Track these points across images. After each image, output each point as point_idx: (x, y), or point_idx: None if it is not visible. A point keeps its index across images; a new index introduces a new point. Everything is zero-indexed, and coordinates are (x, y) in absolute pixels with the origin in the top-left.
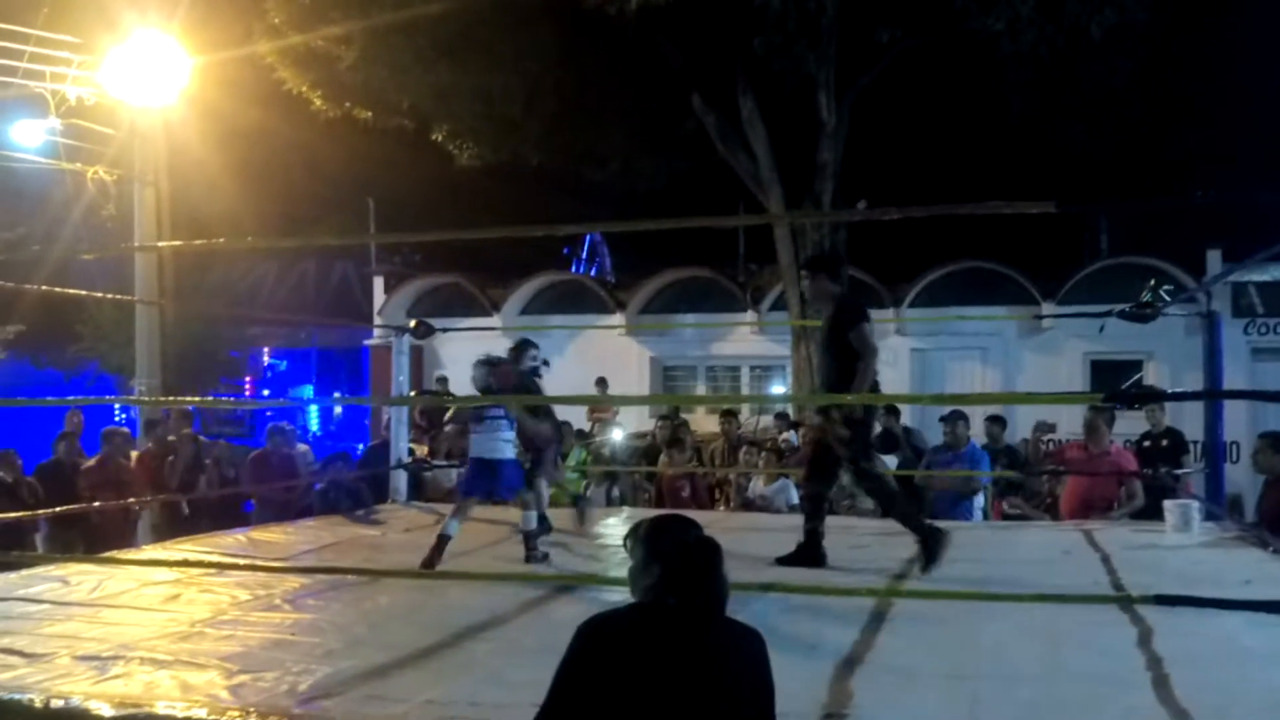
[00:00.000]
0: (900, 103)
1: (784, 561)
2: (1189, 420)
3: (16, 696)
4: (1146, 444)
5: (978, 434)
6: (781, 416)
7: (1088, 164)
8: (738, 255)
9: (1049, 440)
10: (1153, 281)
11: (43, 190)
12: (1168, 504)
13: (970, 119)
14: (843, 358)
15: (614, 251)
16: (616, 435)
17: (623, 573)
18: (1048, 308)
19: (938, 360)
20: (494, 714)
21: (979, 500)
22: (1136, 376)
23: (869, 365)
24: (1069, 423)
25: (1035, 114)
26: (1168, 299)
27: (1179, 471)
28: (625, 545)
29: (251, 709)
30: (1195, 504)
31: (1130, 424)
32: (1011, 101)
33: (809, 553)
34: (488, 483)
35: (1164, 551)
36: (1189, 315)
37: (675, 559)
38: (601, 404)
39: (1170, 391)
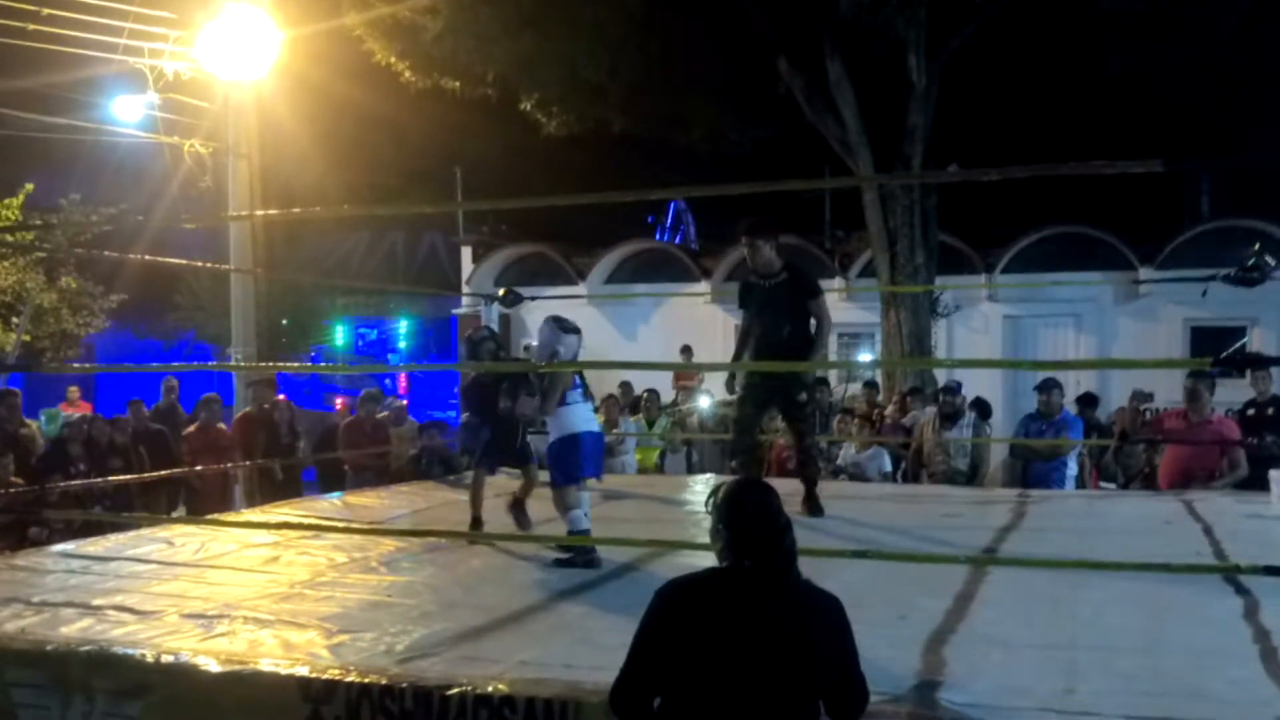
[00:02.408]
0: (992, 64)
1: None
2: None
3: (129, 651)
4: (1251, 412)
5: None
6: (871, 385)
7: (1190, 121)
8: (824, 222)
9: (1146, 409)
10: (1258, 245)
11: (142, 164)
12: (1273, 474)
13: (1065, 79)
14: (803, 324)
15: (699, 219)
16: (703, 402)
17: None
18: (1145, 273)
19: (1030, 327)
20: (587, 675)
21: (1072, 469)
22: (1240, 343)
23: (828, 331)
24: (1167, 391)
25: (1134, 71)
26: (1274, 263)
27: None
28: (707, 509)
29: (351, 668)
30: None
31: (1231, 392)
32: (1108, 59)
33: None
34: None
35: (1269, 522)
36: None
37: (740, 522)
38: (687, 370)
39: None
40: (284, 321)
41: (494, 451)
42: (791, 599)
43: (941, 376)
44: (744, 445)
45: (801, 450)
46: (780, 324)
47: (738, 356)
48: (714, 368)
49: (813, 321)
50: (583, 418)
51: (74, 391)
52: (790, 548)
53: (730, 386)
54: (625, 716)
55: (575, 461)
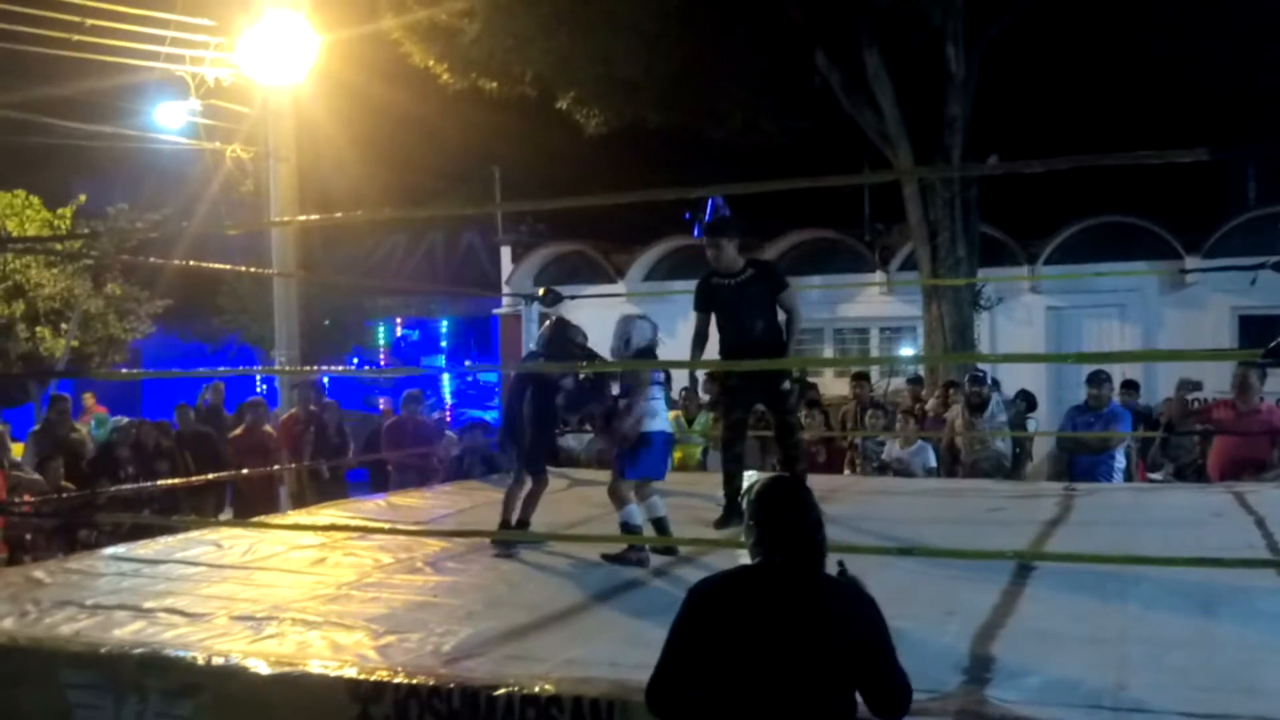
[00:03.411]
0: (1031, 52)
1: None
2: None
3: (180, 654)
4: None
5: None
6: (915, 381)
7: (1235, 108)
8: (863, 215)
9: (1194, 399)
10: None
11: (184, 169)
12: None
13: (1106, 66)
14: (774, 318)
15: (736, 215)
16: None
17: None
18: (1191, 261)
19: (1074, 319)
20: (633, 674)
21: (1120, 462)
22: None
23: (799, 322)
24: (1216, 381)
25: (1177, 57)
26: None
27: None
28: (742, 506)
29: (399, 668)
30: None
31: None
32: (1150, 44)
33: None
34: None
35: None
36: None
37: (769, 519)
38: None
39: None
40: (325, 323)
41: (540, 456)
42: (821, 594)
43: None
44: (737, 451)
45: (788, 446)
46: (752, 321)
47: (695, 359)
48: (753, 366)
49: (781, 315)
50: (660, 415)
51: (89, 398)
52: (820, 544)
53: (709, 390)
54: (661, 713)
55: (644, 459)
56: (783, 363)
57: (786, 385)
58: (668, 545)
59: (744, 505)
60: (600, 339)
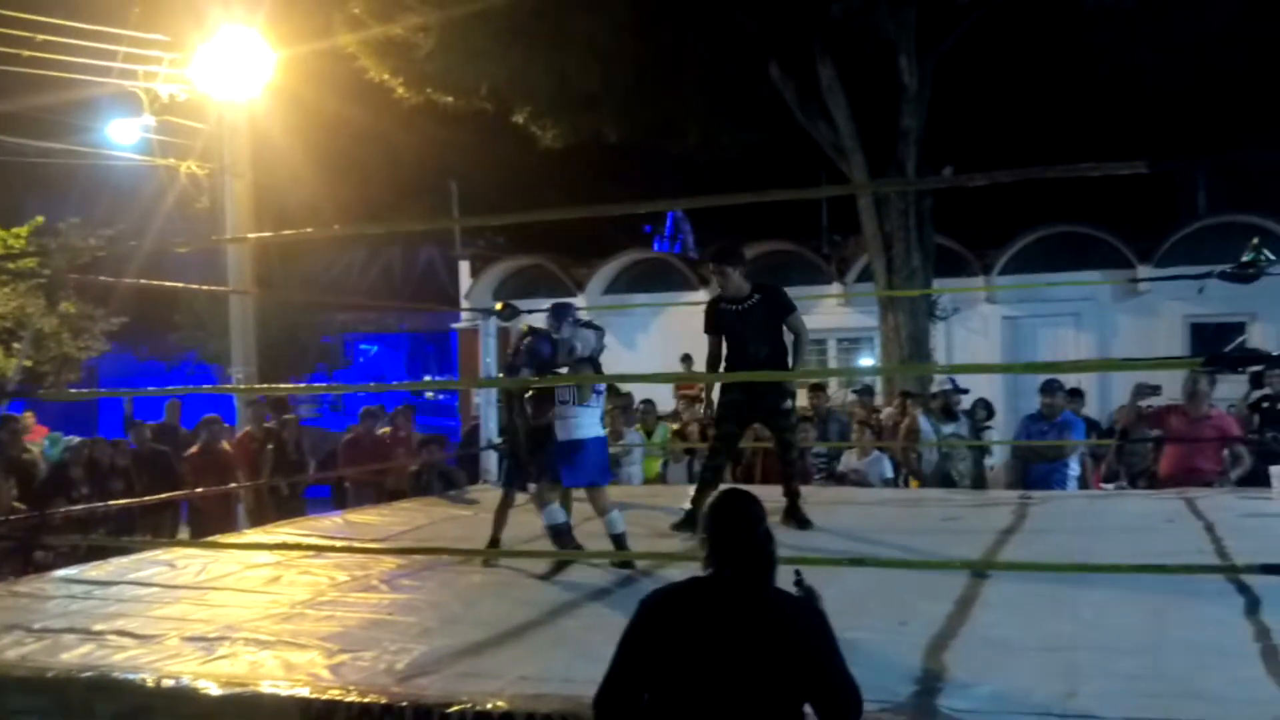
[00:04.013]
0: (984, 64)
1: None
2: None
3: (130, 676)
4: (1265, 405)
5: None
6: (863, 391)
7: (1185, 119)
8: (821, 227)
9: (1148, 405)
10: (1255, 240)
11: (139, 186)
12: (1275, 470)
13: (1058, 78)
14: (780, 342)
15: (696, 228)
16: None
17: None
18: (1144, 270)
19: (1029, 328)
20: (587, 689)
21: (1074, 470)
22: (1240, 339)
23: (806, 343)
24: (1170, 388)
25: (1127, 69)
26: (1272, 258)
27: None
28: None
29: (352, 688)
30: None
31: (1235, 388)
32: (1101, 58)
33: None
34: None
35: (1271, 519)
36: None
37: (720, 531)
38: (687, 381)
39: (1275, 353)
40: (282, 339)
41: (518, 468)
42: (769, 606)
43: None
44: (718, 463)
45: (788, 464)
46: (759, 345)
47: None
48: (712, 378)
49: (789, 337)
50: (594, 422)
51: (29, 417)
52: (770, 556)
53: (708, 413)
54: None
55: (580, 465)
56: (767, 375)
57: (788, 404)
58: (625, 560)
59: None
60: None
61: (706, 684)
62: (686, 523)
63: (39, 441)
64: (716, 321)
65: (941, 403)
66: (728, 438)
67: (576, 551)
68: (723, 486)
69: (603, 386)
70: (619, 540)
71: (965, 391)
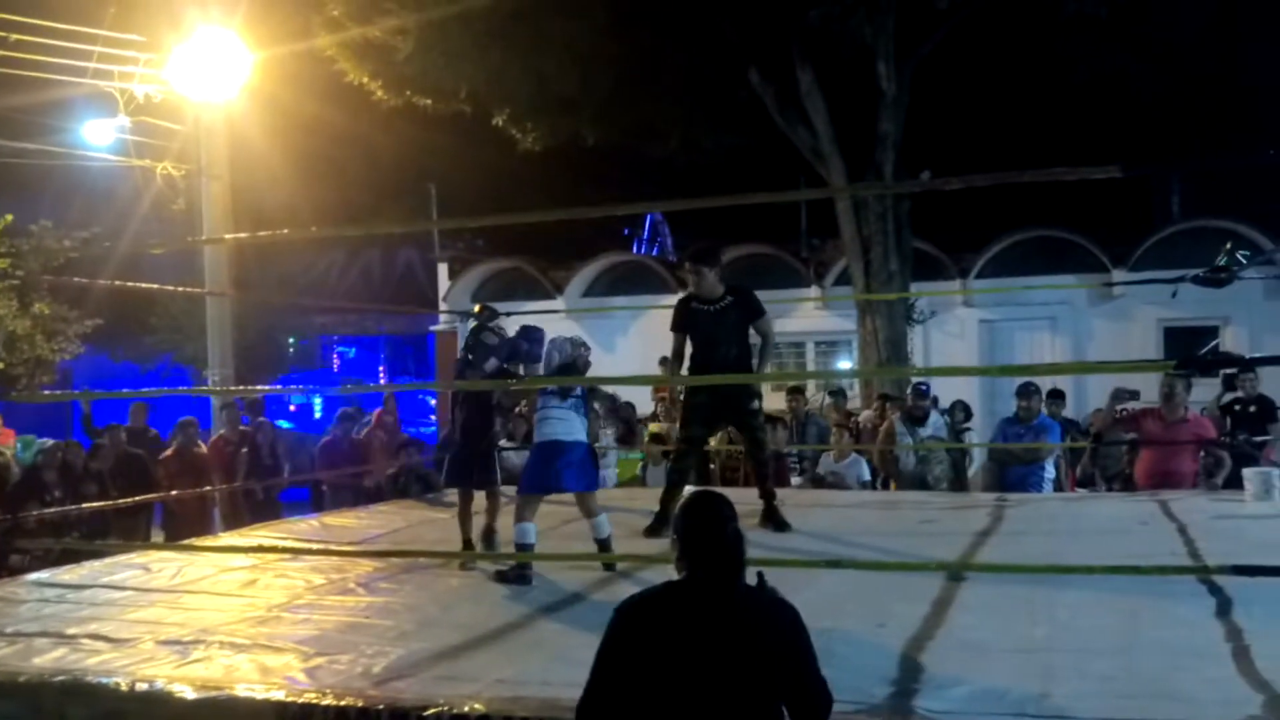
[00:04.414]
0: (962, 70)
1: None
2: (1269, 387)
3: (104, 680)
4: (1237, 408)
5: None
6: (837, 394)
7: (1161, 124)
8: (800, 231)
9: (1122, 410)
10: (1228, 244)
11: (114, 187)
12: (1247, 472)
13: (1035, 83)
14: (747, 344)
15: (675, 231)
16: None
17: None
18: (1119, 274)
19: (1006, 331)
20: (564, 692)
21: (1050, 473)
22: (1213, 343)
23: (773, 347)
24: (1149, 392)
25: (1102, 76)
26: (1244, 262)
27: (1260, 439)
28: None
29: (328, 691)
30: (1276, 472)
31: (1210, 390)
32: (1077, 63)
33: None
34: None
35: (1243, 521)
36: (1267, 278)
37: (691, 534)
38: (662, 384)
39: (1247, 356)
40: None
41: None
42: (742, 608)
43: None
44: (685, 465)
45: (759, 464)
46: (728, 347)
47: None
48: (689, 380)
49: (755, 340)
50: (561, 428)
51: None
52: (740, 558)
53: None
54: None
55: (543, 471)
56: (742, 378)
57: (755, 404)
58: (609, 562)
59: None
60: None
61: (686, 687)
62: (656, 526)
63: (10, 444)
64: (686, 320)
65: (903, 405)
66: (694, 440)
67: (558, 555)
68: (690, 488)
69: (583, 391)
70: (604, 544)
71: (926, 392)
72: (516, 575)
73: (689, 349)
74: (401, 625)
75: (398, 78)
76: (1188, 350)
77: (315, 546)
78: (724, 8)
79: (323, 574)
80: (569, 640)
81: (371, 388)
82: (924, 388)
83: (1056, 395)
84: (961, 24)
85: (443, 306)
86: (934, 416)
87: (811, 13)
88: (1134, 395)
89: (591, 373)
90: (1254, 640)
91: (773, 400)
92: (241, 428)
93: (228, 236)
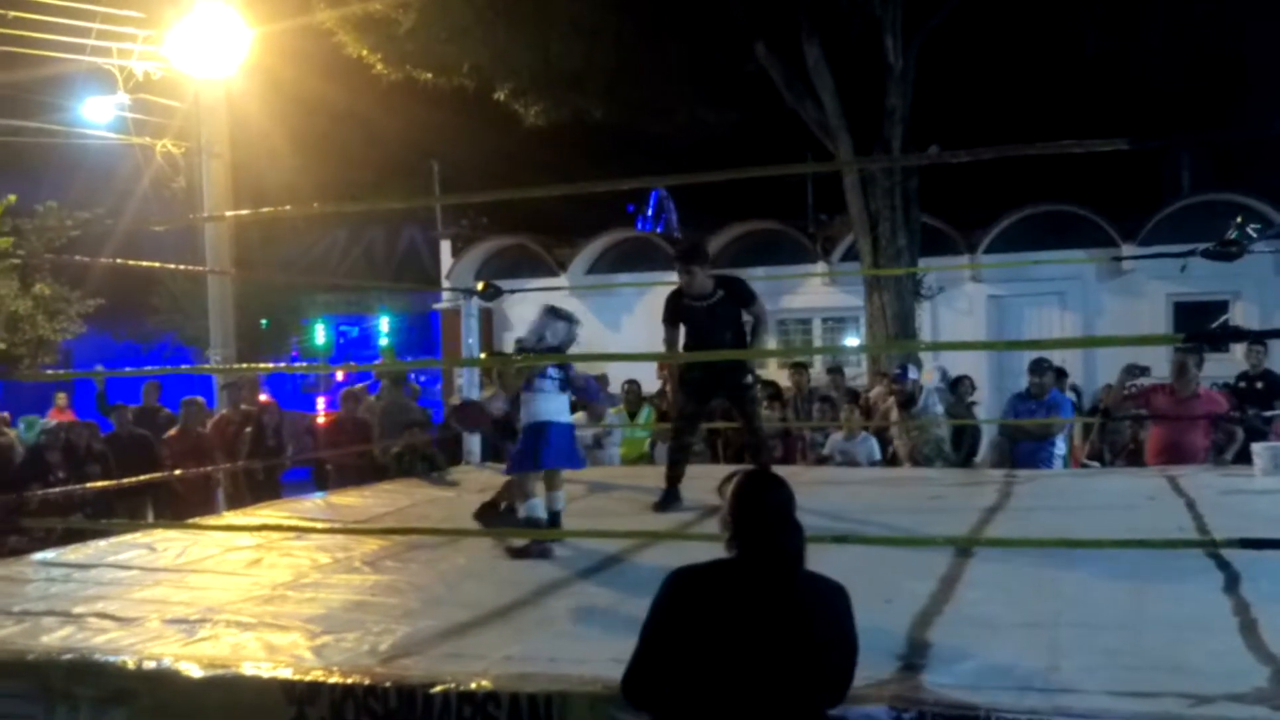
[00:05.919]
0: (970, 44)
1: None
2: (1277, 363)
3: (111, 659)
4: (1242, 385)
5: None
6: (836, 370)
7: (1170, 98)
8: (806, 206)
9: (1131, 386)
10: (1239, 218)
11: (114, 165)
12: (1255, 447)
13: (1044, 58)
14: (741, 331)
15: (680, 207)
16: None
17: (702, 529)
18: (1128, 249)
19: (1015, 306)
20: (572, 669)
21: (1059, 448)
22: (1223, 318)
23: (767, 327)
24: (1160, 368)
25: (1112, 49)
26: (1254, 236)
27: (1269, 414)
28: (719, 494)
29: (335, 669)
30: None
31: (1221, 366)
32: (1087, 37)
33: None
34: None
35: (1251, 495)
36: (1278, 252)
37: (753, 519)
38: (661, 360)
39: (1257, 330)
40: (263, 322)
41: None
42: (799, 591)
43: (927, 359)
44: (684, 442)
45: (752, 432)
46: (723, 338)
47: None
48: (696, 357)
49: (748, 319)
50: (552, 407)
51: (61, 398)
52: (800, 546)
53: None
54: (638, 702)
55: (536, 450)
56: (740, 354)
57: (749, 379)
58: (520, 549)
59: (722, 498)
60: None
61: (737, 668)
62: (665, 501)
63: (21, 423)
64: (678, 315)
65: (889, 389)
66: (690, 417)
67: (564, 530)
68: (745, 468)
69: (559, 374)
70: (533, 523)
71: (902, 374)
72: (539, 550)
73: (683, 340)
74: (408, 603)
75: (399, 53)
76: (1197, 325)
77: (320, 525)
78: None
79: (328, 553)
80: (577, 617)
81: (372, 367)
82: (901, 372)
83: (1059, 372)
84: None
85: (446, 284)
86: (925, 394)
87: None
88: (1145, 371)
89: (595, 350)
90: (1261, 613)
91: (778, 377)
92: (243, 408)
93: (230, 214)
